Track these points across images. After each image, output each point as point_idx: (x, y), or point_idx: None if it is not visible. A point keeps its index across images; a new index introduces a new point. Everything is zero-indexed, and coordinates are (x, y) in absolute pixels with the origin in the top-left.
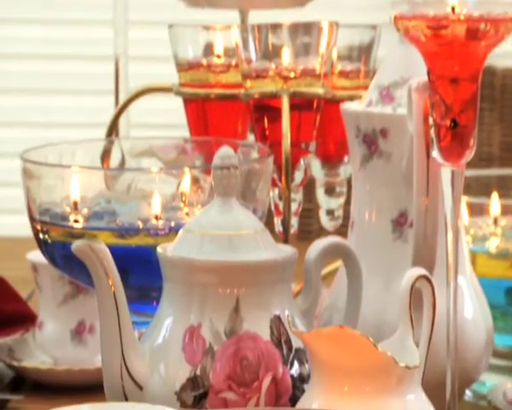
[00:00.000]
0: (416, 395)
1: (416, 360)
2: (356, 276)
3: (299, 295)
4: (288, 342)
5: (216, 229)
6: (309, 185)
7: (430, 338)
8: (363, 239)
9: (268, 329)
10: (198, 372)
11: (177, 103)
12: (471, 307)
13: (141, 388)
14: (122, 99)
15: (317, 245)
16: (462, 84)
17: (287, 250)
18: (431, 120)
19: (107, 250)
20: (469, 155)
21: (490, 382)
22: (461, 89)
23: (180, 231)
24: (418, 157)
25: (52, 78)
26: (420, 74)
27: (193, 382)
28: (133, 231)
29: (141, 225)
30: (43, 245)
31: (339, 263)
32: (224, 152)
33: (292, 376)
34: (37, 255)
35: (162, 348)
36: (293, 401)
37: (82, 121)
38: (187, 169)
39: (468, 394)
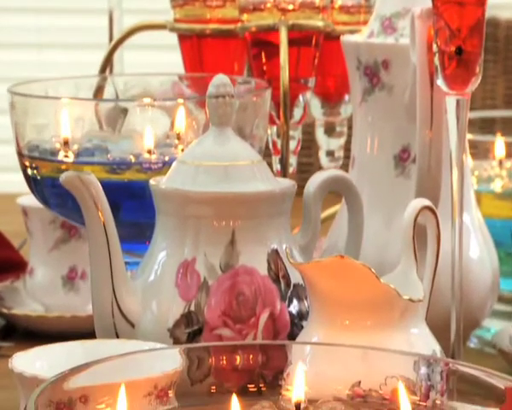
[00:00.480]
0: (419, 329)
1: (420, 294)
2: (357, 210)
3: (298, 231)
4: (286, 277)
5: (211, 160)
6: (308, 141)
7: (435, 272)
8: (364, 176)
9: (265, 263)
10: (192, 308)
11: (173, 57)
12: (477, 247)
13: (133, 325)
14: (116, 55)
15: (317, 178)
16: (468, 8)
17: (285, 182)
18: (435, 48)
19: (97, 182)
20: (475, 82)
21: (495, 328)
22: (466, 13)
23: (174, 163)
24: (421, 88)
25: (45, 32)
26: (422, 5)
27: (187, 318)
28: (125, 165)
29: (133, 159)
30: (32, 182)
31: (337, 207)
32: (219, 80)
33: (290, 312)
34: (27, 199)
35: (155, 283)
36: (292, 338)
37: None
38: (181, 100)
39: (473, 340)
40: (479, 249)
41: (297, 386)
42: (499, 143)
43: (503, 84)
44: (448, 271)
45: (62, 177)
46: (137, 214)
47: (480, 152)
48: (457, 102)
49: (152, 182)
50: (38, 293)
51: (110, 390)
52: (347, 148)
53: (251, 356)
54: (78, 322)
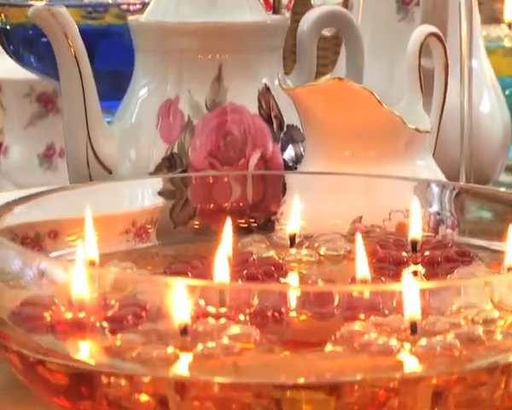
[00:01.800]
0: (426, 161)
1: (427, 125)
2: (357, 50)
3: (292, 71)
4: (279, 117)
5: None
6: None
7: (443, 106)
8: (363, 22)
9: (256, 101)
10: (175, 150)
11: None
12: (487, 100)
13: (110, 172)
14: None
15: (312, 14)
16: None
17: (277, 16)
18: None
19: (70, 16)
20: None
21: None
22: None
23: None
24: None
25: None
26: None
27: (169, 161)
28: (102, 7)
29: (110, 1)
30: (2, 36)
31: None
32: None
33: (284, 156)
34: (1, 72)
35: (134, 126)
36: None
37: None
38: None
39: None
40: (489, 103)
41: (292, 219)
42: (509, 6)
43: None
44: (456, 124)
45: (31, 10)
46: (115, 62)
47: (488, 16)
48: None
49: (130, 18)
50: (13, 173)
51: (82, 225)
52: None
53: (242, 190)
54: None
